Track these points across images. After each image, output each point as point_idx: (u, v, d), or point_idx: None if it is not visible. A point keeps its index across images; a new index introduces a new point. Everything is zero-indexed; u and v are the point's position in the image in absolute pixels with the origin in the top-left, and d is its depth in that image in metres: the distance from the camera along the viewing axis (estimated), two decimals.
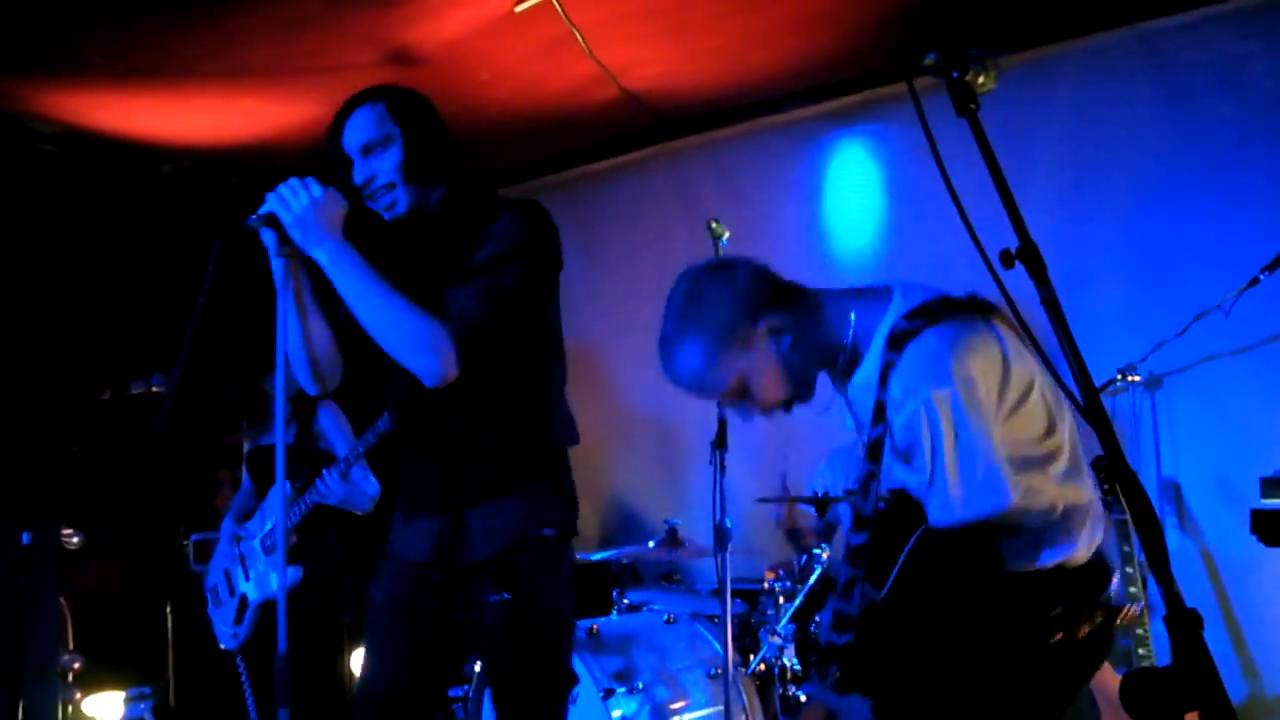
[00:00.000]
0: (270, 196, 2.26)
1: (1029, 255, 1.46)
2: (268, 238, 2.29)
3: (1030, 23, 4.47)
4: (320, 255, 2.26)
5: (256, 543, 4.16)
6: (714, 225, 3.65)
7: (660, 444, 5.68)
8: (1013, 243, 1.51)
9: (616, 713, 3.57)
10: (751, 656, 3.96)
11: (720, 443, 3.50)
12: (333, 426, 4.27)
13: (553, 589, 2.43)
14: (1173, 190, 4.23)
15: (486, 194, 2.50)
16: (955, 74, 1.52)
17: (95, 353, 5.37)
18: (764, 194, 5.42)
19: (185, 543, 5.19)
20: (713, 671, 3.78)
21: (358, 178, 2.39)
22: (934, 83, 1.59)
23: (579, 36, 4.38)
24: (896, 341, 2.03)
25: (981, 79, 1.57)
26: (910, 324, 2.04)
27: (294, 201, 2.24)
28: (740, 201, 5.39)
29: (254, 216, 2.25)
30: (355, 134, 2.39)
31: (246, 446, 4.44)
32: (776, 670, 3.93)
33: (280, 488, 2.34)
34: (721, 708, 3.48)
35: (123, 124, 5.05)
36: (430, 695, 2.53)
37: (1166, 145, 4.25)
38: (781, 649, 3.93)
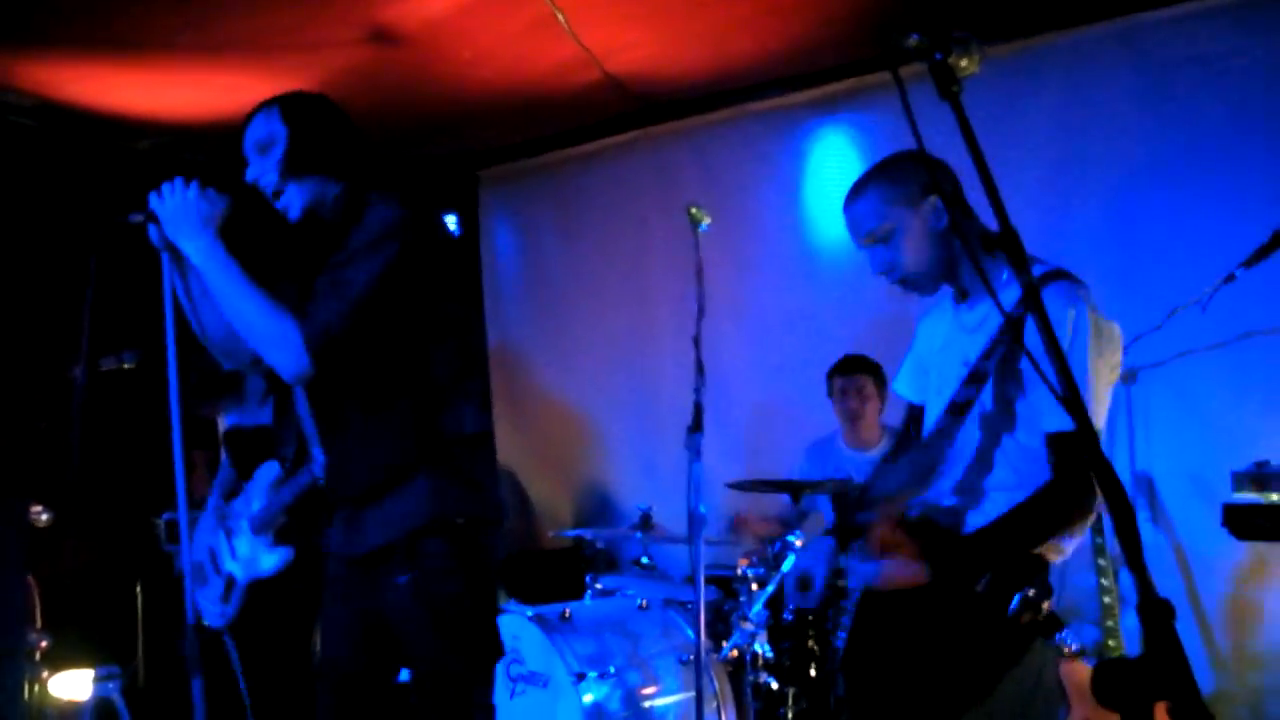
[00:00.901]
0: (151, 194, 2.42)
1: (1009, 242, 1.45)
2: (152, 232, 2.46)
3: (1016, 15, 4.46)
4: (189, 250, 2.40)
5: (244, 522, 4.13)
6: (694, 211, 3.63)
7: (636, 428, 5.68)
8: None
9: (588, 697, 3.56)
10: (724, 643, 3.96)
11: (696, 427, 3.49)
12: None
13: (454, 571, 2.43)
14: (1153, 185, 4.24)
15: (377, 191, 2.50)
16: (938, 56, 1.50)
17: (66, 329, 5.31)
18: (745, 180, 5.41)
19: (157, 521, 5.15)
20: (685, 658, 3.78)
21: (248, 176, 2.51)
22: (917, 72, 1.57)
23: (562, 18, 4.35)
24: (1047, 276, 2.26)
25: (965, 62, 1.55)
26: (1059, 271, 2.29)
27: (168, 200, 2.40)
28: (721, 188, 5.38)
29: (137, 212, 2.44)
30: (250, 135, 2.52)
31: (223, 425, 4.41)
32: (748, 657, 3.92)
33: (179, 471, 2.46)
34: (693, 694, 3.48)
35: (99, 98, 4.98)
36: (375, 678, 2.57)
37: (1148, 140, 4.26)
38: (754, 636, 3.93)
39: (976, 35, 1.54)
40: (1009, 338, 2.22)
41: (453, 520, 2.42)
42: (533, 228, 6.32)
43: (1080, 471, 2.15)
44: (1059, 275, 2.27)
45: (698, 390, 3.50)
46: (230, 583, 4.15)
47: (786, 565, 3.95)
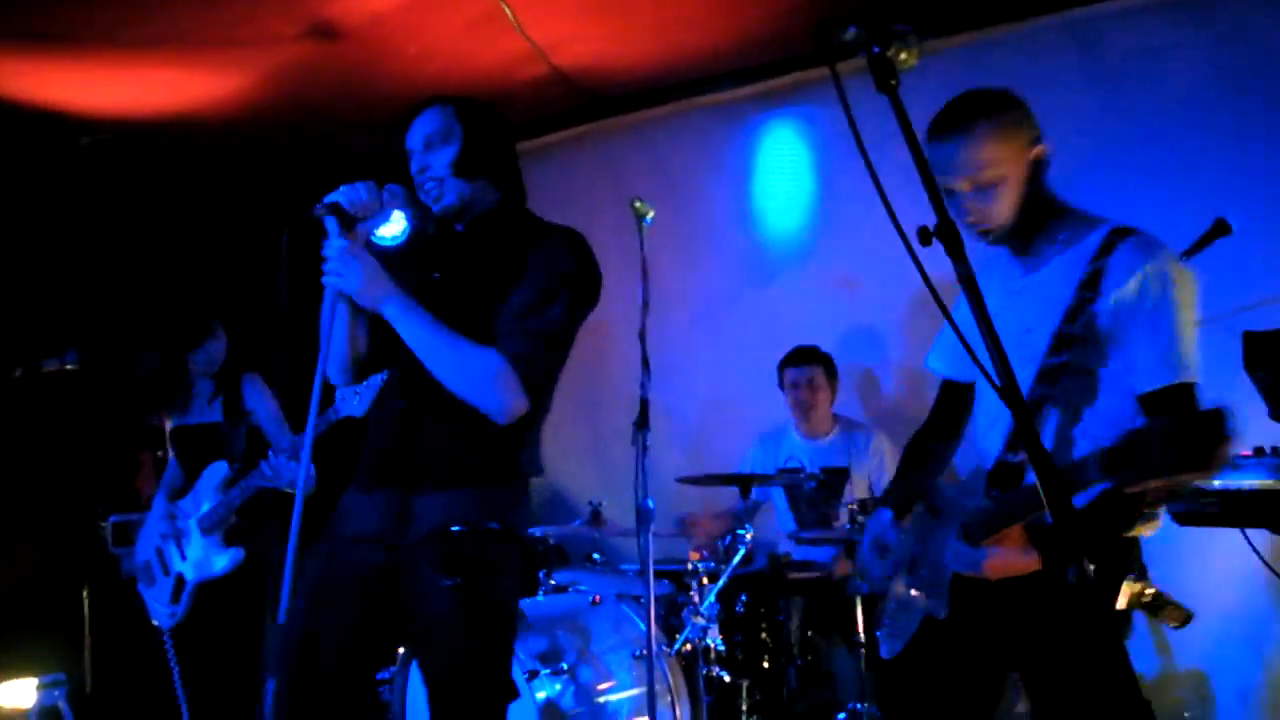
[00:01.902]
0: (330, 263, 2.38)
1: (947, 233, 1.46)
2: (331, 226, 2.41)
3: (962, 7, 4.49)
4: (387, 311, 2.36)
5: (193, 522, 4.08)
6: (637, 205, 3.63)
7: (586, 422, 5.66)
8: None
9: (541, 694, 3.54)
10: (676, 637, 3.96)
11: (642, 423, 3.48)
12: (260, 402, 4.20)
13: (503, 576, 2.41)
14: (1099, 175, 4.27)
15: (530, 215, 2.62)
16: (876, 49, 1.51)
17: (7, 329, 5.22)
18: (693, 174, 5.42)
19: (104, 524, 5.07)
20: (638, 652, 3.78)
21: (413, 167, 2.53)
22: (863, 65, 1.57)
23: (508, 12, 4.33)
24: (1117, 233, 2.21)
25: (904, 55, 1.55)
26: (1130, 227, 2.23)
27: (348, 273, 2.36)
28: (670, 181, 5.38)
29: (319, 206, 2.39)
30: (420, 128, 2.53)
31: (170, 424, 4.35)
32: (701, 650, 3.93)
33: (304, 461, 2.31)
34: (646, 688, 3.48)
35: (38, 94, 4.89)
36: (359, 677, 2.47)
37: (1094, 130, 4.30)
38: (705, 629, 3.94)
39: (924, 27, 1.55)
40: (1089, 299, 2.16)
41: (493, 525, 2.39)
42: None
43: (1195, 421, 1.91)
44: (1129, 232, 2.22)
45: (644, 386, 3.50)
46: (180, 583, 4.11)
47: (736, 558, 3.96)
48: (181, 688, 4.14)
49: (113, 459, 5.59)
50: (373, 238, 2.52)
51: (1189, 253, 3.67)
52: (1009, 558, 2.17)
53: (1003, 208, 2.25)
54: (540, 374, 2.39)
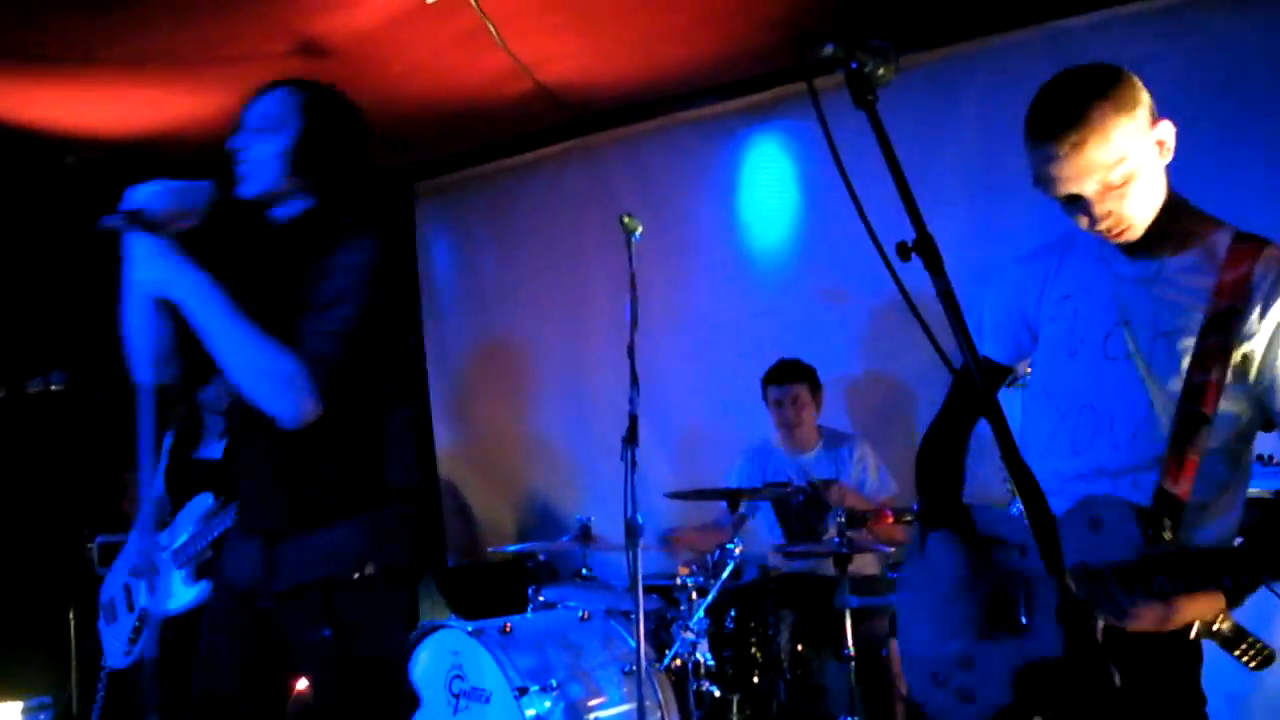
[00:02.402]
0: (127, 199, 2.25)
1: (925, 248, 1.46)
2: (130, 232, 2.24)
3: (942, 21, 4.52)
4: (176, 292, 2.20)
5: (168, 555, 4.05)
6: (626, 220, 3.64)
7: (575, 438, 5.67)
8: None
9: (531, 711, 3.53)
10: (666, 652, 3.95)
11: (631, 439, 3.48)
12: None
13: (374, 629, 2.33)
14: None
15: (348, 212, 2.40)
16: (854, 65, 1.51)
17: None
18: (678, 189, 5.43)
19: (90, 546, 5.04)
20: (627, 668, 3.77)
21: (233, 141, 2.37)
22: (843, 79, 1.58)
23: (492, 29, 4.34)
24: (1249, 237, 1.99)
25: (881, 71, 1.55)
26: (1256, 235, 2.01)
27: (143, 260, 2.21)
28: (655, 196, 5.40)
29: (114, 216, 2.24)
30: (258, 107, 2.37)
31: (165, 456, 4.33)
32: (691, 665, 3.93)
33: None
34: (636, 704, 3.47)
35: (23, 112, 4.89)
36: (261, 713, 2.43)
37: None
38: (695, 644, 3.93)
39: (901, 42, 1.54)
40: (1236, 309, 1.91)
41: (367, 570, 2.30)
42: (469, 239, 6.29)
43: None
44: (1264, 241, 1.99)
45: (632, 401, 3.50)
46: (142, 619, 4.05)
47: (725, 573, 3.95)
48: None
49: (99, 480, 5.56)
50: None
51: None
52: (1170, 613, 1.82)
53: (1139, 207, 1.97)
54: (333, 377, 2.20)
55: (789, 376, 4.66)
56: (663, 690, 3.79)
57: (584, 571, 4.49)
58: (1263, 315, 1.92)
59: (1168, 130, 1.98)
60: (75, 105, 4.88)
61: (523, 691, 3.54)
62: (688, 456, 5.38)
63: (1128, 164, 1.92)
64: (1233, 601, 1.84)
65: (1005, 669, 2.01)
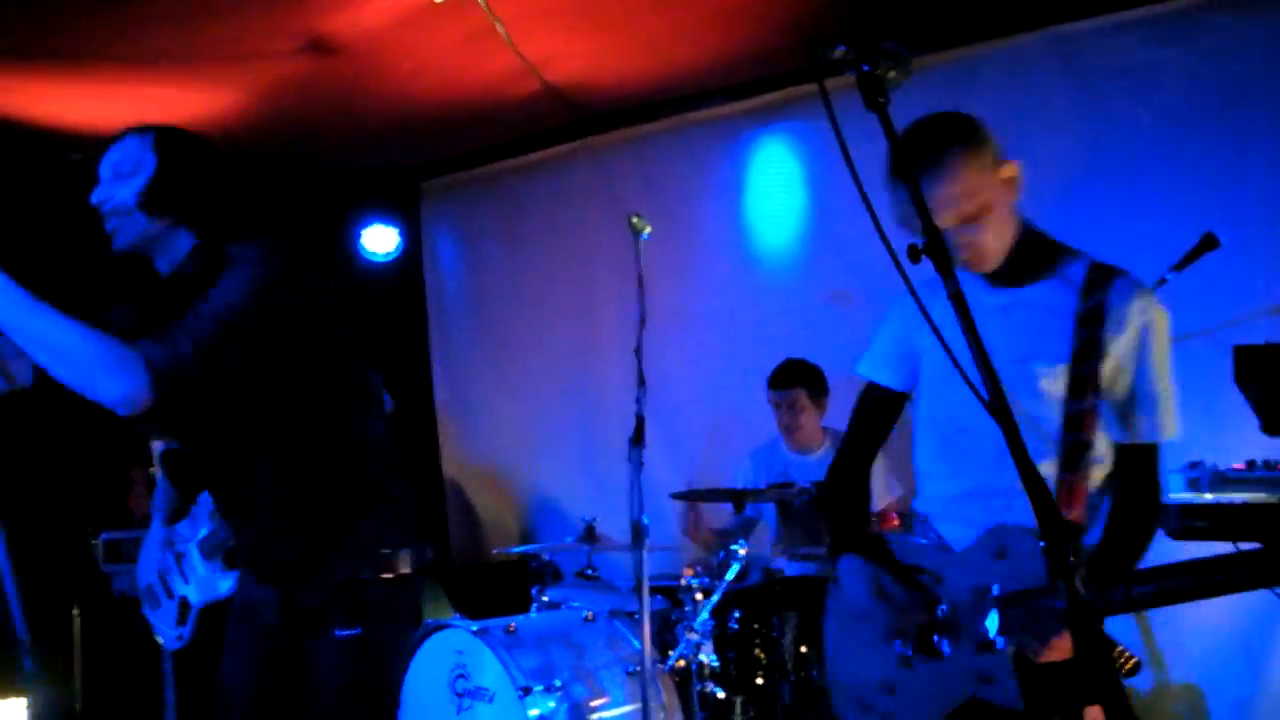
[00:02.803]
0: None
1: (935, 250, 1.46)
2: None
3: (950, 24, 4.52)
4: None
5: (194, 546, 4.06)
6: (635, 220, 3.63)
7: (581, 438, 5.67)
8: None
9: (534, 711, 3.53)
10: (670, 653, 3.95)
11: (638, 439, 3.48)
12: None
13: (391, 627, 2.36)
14: (1086, 191, 4.30)
15: (237, 244, 2.34)
16: (865, 68, 1.51)
17: None
18: (686, 190, 5.43)
19: (95, 542, 5.05)
20: (631, 669, 3.77)
21: (94, 197, 2.34)
22: (853, 80, 1.58)
23: (500, 28, 4.34)
24: (1102, 268, 2.16)
25: (892, 73, 1.56)
26: (1112, 266, 2.17)
27: None
28: (662, 197, 5.40)
29: None
30: (110, 156, 2.35)
31: (159, 447, 4.33)
32: (695, 667, 3.92)
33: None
34: (640, 705, 3.47)
35: (28, 109, 4.89)
36: None
37: (1080, 146, 4.33)
38: (699, 646, 3.92)
39: (912, 44, 1.55)
40: (1095, 338, 2.09)
41: (383, 573, 2.31)
42: (475, 239, 6.29)
43: (1153, 487, 2.16)
44: (1115, 270, 2.17)
45: (639, 402, 3.50)
46: (184, 606, 4.08)
47: (730, 574, 3.95)
48: (176, 710, 4.12)
49: (104, 476, 5.57)
50: None
51: (1178, 267, 3.69)
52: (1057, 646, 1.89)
53: (993, 238, 2.16)
54: (182, 363, 2.07)
55: (786, 381, 4.66)
56: (667, 691, 3.79)
57: (589, 572, 4.49)
58: (1118, 337, 2.11)
59: (1014, 170, 2.18)
60: (83, 103, 4.88)
61: (526, 691, 3.54)
62: (694, 457, 5.38)
63: (979, 199, 2.11)
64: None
65: (926, 697, 2.12)
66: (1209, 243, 3.65)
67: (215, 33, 4.25)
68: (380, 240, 6.11)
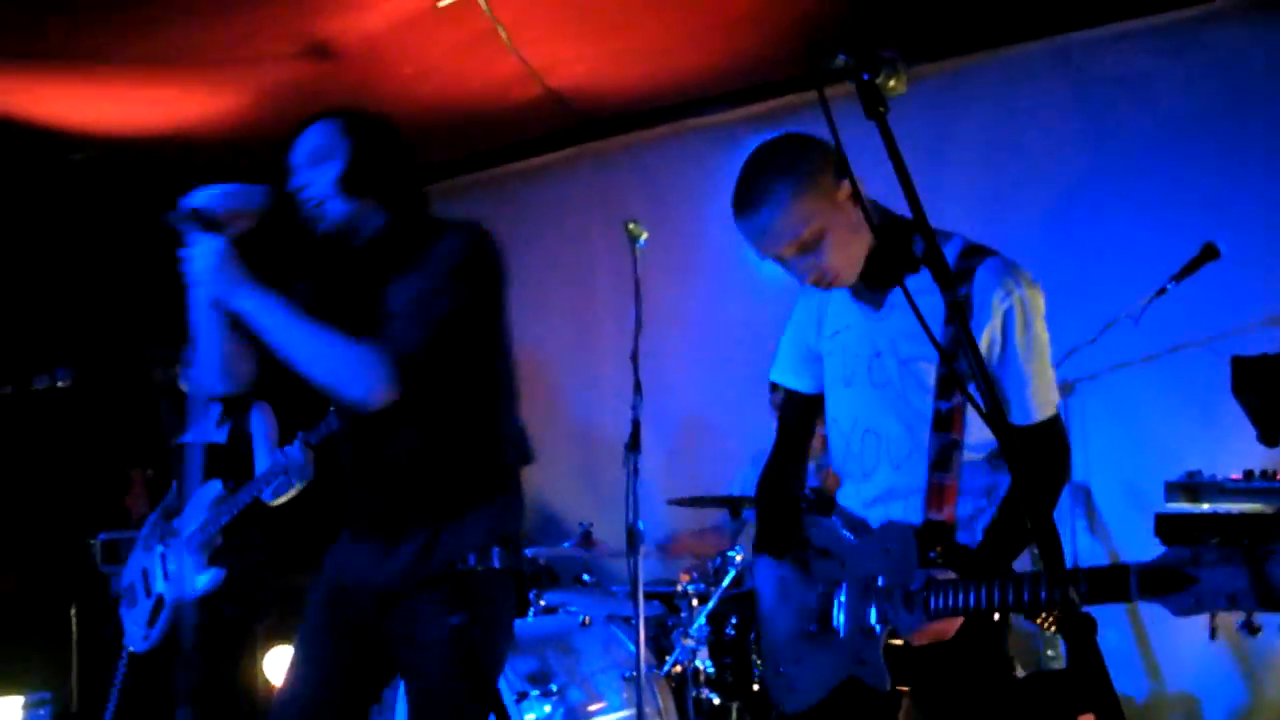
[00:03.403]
0: (191, 263, 2.26)
1: (934, 259, 1.47)
2: (190, 231, 2.29)
3: (951, 33, 4.52)
4: (241, 302, 2.24)
5: (182, 541, 4.07)
6: (632, 226, 3.64)
7: (577, 445, 5.66)
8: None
9: (530, 716, 3.53)
10: (666, 658, 3.95)
11: (634, 445, 3.49)
12: (260, 431, 4.20)
13: (498, 615, 2.39)
14: (1087, 200, 4.31)
15: (431, 221, 2.48)
16: (865, 76, 1.52)
17: None
18: (686, 196, 5.43)
19: (93, 542, 5.05)
20: (627, 674, 3.77)
21: (293, 183, 2.40)
22: (853, 88, 1.58)
23: (503, 33, 4.35)
24: (970, 253, 2.17)
25: (892, 82, 1.56)
26: (980, 246, 2.19)
27: (202, 260, 2.25)
28: (663, 203, 5.40)
29: (178, 213, 2.28)
30: (304, 143, 2.42)
31: (173, 441, 4.36)
32: (690, 672, 3.93)
33: (196, 484, 2.31)
34: (635, 710, 3.47)
35: (31, 110, 4.90)
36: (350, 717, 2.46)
37: (1080, 156, 4.34)
38: (695, 651, 3.93)
39: (913, 53, 1.55)
40: (956, 328, 2.09)
41: (492, 561, 2.34)
42: None
43: (1062, 456, 2.17)
44: (987, 251, 2.18)
45: (635, 407, 3.50)
46: (159, 604, 4.08)
47: (726, 580, 3.95)
48: (116, 713, 4.12)
49: (102, 477, 5.57)
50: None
51: (1178, 277, 3.71)
52: (947, 625, 2.06)
53: (837, 258, 2.15)
54: (414, 361, 2.22)
55: None
56: (662, 697, 3.79)
57: (585, 577, 4.50)
58: (984, 326, 2.11)
59: (848, 188, 2.12)
60: (83, 103, 4.89)
61: (522, 696, 3.54)
62: (690, 463, 5.38)
63: (813, 225, 2.10)
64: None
65: (820, 668, 2.27)
66: (1209, 253, 3.67)
67: (219, 36, 4.26)
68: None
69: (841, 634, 2.24)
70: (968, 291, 2.12)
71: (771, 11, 4.33)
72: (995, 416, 1.37)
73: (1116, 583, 1.65)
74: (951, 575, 2.01)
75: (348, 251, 2.44)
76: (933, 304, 2.00)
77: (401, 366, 2.20)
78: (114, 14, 4.03)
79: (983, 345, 2.12)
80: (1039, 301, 2.16)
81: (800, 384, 2.54)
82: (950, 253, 2.18)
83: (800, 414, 2.58)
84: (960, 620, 2.04)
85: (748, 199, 2.17)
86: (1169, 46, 4.20)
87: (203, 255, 2.25)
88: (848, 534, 2.34)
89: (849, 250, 2.17)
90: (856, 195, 2.08)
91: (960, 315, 1.45)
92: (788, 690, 2.37)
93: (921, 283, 2.05)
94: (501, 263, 2.46)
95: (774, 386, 4.73)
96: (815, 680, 2.29)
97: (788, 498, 2.58)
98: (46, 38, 4.22)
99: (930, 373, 2.17)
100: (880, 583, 2.15)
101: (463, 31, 4.35)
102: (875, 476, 2.30)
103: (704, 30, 4.51)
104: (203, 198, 2.31)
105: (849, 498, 2.39)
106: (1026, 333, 2.13)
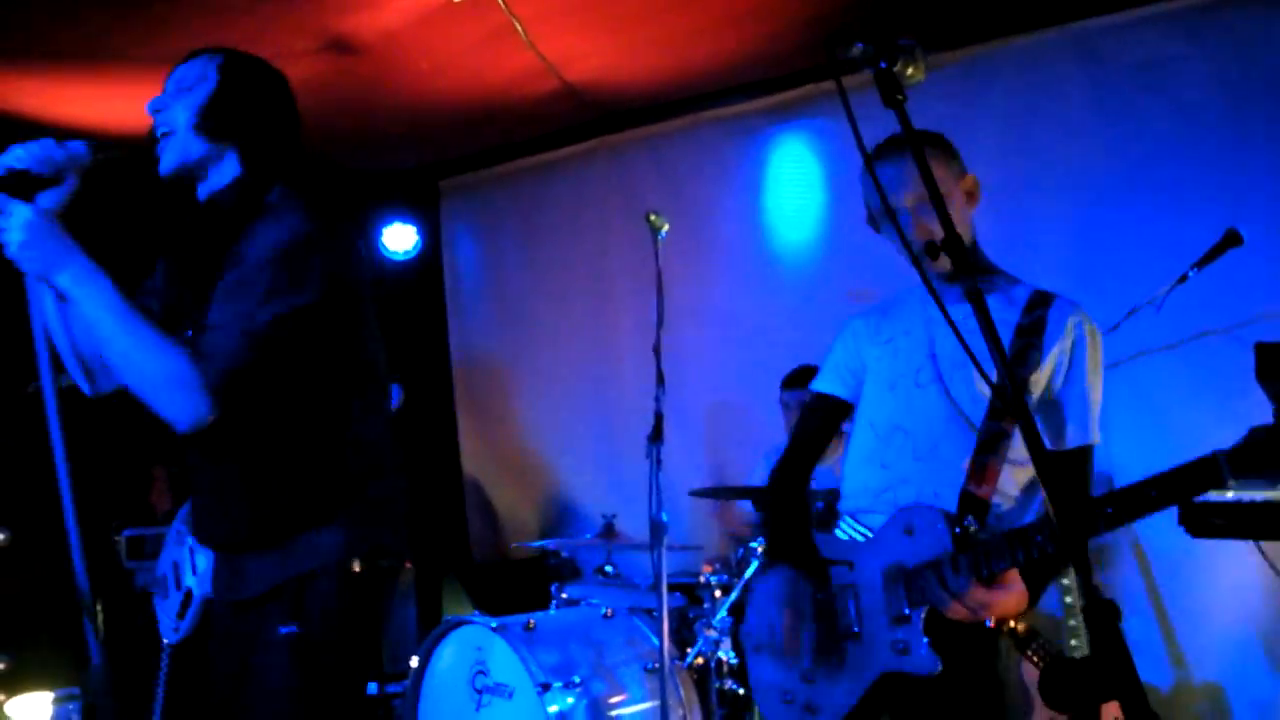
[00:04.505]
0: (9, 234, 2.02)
1: (953, 247, 1.46)
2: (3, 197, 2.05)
3: (968, 21, 4.50)
4: (60, 281, 2.01)
5: None
6: (653, 218, 3.64)
7: (599, 435, 5.67)
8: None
9: (553, 708, 3.54)
10: (689, 650, 3.96)
11: (656, 436, 3.49)
12: None
13: (341, 623, 2.15)
14: (1105, 188, 4.28)
15: (283, 187, 2.22)
16: (883, 64, 1.52)
17: (22, 345, 5.24)
18: (704, 188, 5.43)
19: (117, 538, 5.09)
20: (650, 665, 3.78)
21: (150, 104, 2.20)
22: (871, 78, 1.58)
23: (519, 27, 4.35)
24: (1042, 294, 2.32)
25: (910, 70, 1.56)
26: (1048, 291, 2.34)
27: (14, 231, 2.00)
28: (680, 195, 5.39)
29: None
30: (178, 71, 2.24)
31: None
32: (713, 664, 3.93)
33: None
34: (659, 702, 3.47)
35: (51, 110, 4.92)
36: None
37: (1101, 143, 4.30)
38: (718, 643, 3.93)
39: (931, 41, 1.55)
40: (1033, 344, 2.22)
41: (331, 564, 2.12)
42: (494, 237, 6.31)
43: (1087, 489, 2.25)
44: (1053, 295, 2.32)
45: (658, 400, 3.50)
46: (188, 597, 4.11)
47: (749, 571, 3.95)
48: (164, 707, 4.14)
49: (126, 473, 5.61)
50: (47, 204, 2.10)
51: (1200, 264, 3.68)
52: (992, 596, 2.07)
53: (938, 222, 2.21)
54: (239, 380, 1.98)
55: (797, 383, 4.64)
56: (685, 688, 3.80)
57: (607, 569, 4.50)
58: (1054, 345, 2.24)
59: (971, 182, 2.40)
60: (104, 104, 4.91)
61: (546, 688, 3.55)
62: (712, 455, 5.38)
63: (941, 187, 2.17)
64: (1033, 602, 2.12)
65: (844, 678, 2.27)
66: (1232, 239, 3.64)
67: (236, 33, 4.26)
68: (399, 239, 6.14)
69: (862, 634, 2.25)
70: (1041, 315, 2.26)
71: (787, 2, 4.31)
72: (1016, 403, 1.37)
73: (1207, 473, 1.85)
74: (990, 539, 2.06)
75: (189, 204, 2.22)
76: (1006, 320, 2.20)
77: (220, 390, 1.97)
78: (133, 13, 4.05)
79: (1047, 364, 2.23)
80: (1100, 342, 2.29)
81: (838, 389, 2.60)
82: (1023, 290, 2.34)
83: (827, 417, 2.63)
84: (994, 610, 2.07)
85: (890, 147, 2.32)
86: (1189, 31, 4.16)
87: (14, 225, 1.99)
88: (856, 538, 2.37)
89: (958, 223, 2.26)
90: (973, 196, 2.36)
91: (978, 302, 1.44)
92: (807, 714, 2.35)
93: (999, 302, 2.31)
94: (344, 245, 2.15)
95: (784, 385, 4.73)
96: (843, 689, 2.27)
97: (800, 503, 2.62)
98: (66, 38, 4.24)
99: (979, 380, 2.25)
100: (909, 565, 2.17)
101: (479, 26, 4.35)
102: (894, 467, 2.34)
103: (720, 22, 4.50)
104: (9, 157, 2.05)
105: (854, 494, 2.44)
106: (1095, 359, 2.25)
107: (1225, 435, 3.72)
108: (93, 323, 2.00)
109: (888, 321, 2.52)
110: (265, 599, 2.14)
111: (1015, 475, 2.26)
